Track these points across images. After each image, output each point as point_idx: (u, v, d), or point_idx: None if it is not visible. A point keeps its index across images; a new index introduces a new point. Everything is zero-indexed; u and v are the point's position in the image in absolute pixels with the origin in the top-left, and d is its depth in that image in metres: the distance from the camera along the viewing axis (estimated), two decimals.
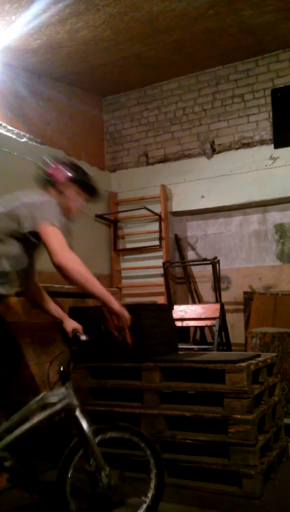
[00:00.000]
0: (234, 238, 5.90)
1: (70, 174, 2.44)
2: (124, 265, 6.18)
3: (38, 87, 5.33)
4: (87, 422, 2.10)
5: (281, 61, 5.51)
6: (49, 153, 5.26)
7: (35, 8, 4.00)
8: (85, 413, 2.15)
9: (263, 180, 5.47)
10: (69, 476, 2.07)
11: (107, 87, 6.17)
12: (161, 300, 5.68)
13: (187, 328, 5.55)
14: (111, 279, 6.07)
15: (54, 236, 2.13)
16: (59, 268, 2.10)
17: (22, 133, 4.91)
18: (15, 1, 3.88)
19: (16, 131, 4.84)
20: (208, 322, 4.87)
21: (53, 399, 2.15)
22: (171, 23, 4.63)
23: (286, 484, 2.67)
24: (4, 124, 4.71)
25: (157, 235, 5.87)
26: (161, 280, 5.71)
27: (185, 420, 2.74)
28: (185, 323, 4.95)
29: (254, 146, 5.58)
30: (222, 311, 4.89)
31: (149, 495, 2.20)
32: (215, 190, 5.73)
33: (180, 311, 4.94)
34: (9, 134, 4.74)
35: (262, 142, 5.54)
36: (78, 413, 2.11)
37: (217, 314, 4.77)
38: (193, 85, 5.98)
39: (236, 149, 5.69)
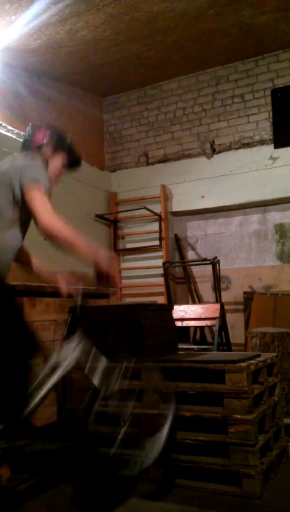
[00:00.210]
0: (234, 238, 5.90)
1: (55, 138, 2.48)
2: (124, 265, 6.18)
3: (38, 87, 5.33)
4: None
5: (281, 61, 5.51)
6: None
7: (35, 8, 4.00)
8: None
9: (263, 180, 5.47)
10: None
11: (107, 87, 6.17)
12: (161, 300, 5.68)
13: (187, 328, 5.55)
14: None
15: (39, 200, 2.17)
16: (44, 231, 2.13)
17: (22, 133, 4.91)
18: (15, 1, 3.88)
19: (16, 131, 4.84)
20: (208, 322, 4.87)
21: (67, 351, 2.20)
22: (171, 23, 4.63)
23: (286, 484, 2.67)
24: (4, 124, 4.71)
25: (157, 235, 5.87)
26: (161, 280, 5.71)
27: (185, 420, 2.74)
28: (185, 323, 4.95)
29: (254, 146, 5.58)
30: (222, 311, 4.89)
31: None
32: (215, 190, 5.73)
33: (180, 311, 4.94)
34: (9, 134, 4.74)
35: (262, 142, 5.54)
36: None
37: (217, 314, 4.77)
38: (193, 85, 5.98)
39: (236, 149, 5.69)
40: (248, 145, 5.62)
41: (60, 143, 2.52)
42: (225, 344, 4.96)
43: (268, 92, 5.54)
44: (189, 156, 5.93)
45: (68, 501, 2.43)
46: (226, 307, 5.16)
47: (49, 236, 2.14)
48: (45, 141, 2.47)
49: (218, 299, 5.21)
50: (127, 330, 2.83)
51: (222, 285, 5.65)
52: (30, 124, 2.53)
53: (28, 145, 2.49)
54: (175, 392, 2.59)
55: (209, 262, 5.16)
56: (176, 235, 6.08)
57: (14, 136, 4.80)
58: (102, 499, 2.46)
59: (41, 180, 2.24)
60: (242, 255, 5.84)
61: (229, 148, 5.74)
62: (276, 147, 5.44)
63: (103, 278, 2.17)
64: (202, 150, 5.87)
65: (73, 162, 2.63)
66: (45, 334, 3.07)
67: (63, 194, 5.24)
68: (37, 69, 5.20)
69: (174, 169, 5.97)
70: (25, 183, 2.20)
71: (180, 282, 6.05)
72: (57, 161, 2.55)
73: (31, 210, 2.19)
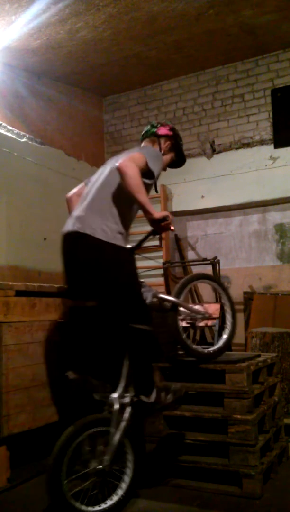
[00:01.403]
0: (234, 238, 5.90)
1: (175, 138, 2.82)
2: None
3: (38, 87, 5.33)
4: None
5: (281, 61, 5.51)
6: (49, 153, 5.28)
7: (35, 8, 4.00)
8: None
9: (263, 180, 5.47)
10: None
11: (107, 87, 6.17)
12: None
13: (187, 328, 5.54)
14: None
15: (134, 155, 2.42)
16: (119, 169, 2.35)
17: (22, 133, 4.91)
18: (15, 1, 3.88)
19: (16, 131, 4.84)
20: (208, 322, 4.87)
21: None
22: (171, 23, 4.63)
23: (286, 484, 2.67)
24: (4, 124, 4.71)
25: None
26: (161, 280, 5.71)
27: (185, 420, 2.74)
28: (185, 323, 4.94)
29: (254, 146, 5.58)
30: (222, 311, 4.88)
31: None
32: (215, 190, 5.73)
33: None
34: (9, 134, 4.74)
35: (262, 142, 5.54)
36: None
37: (217, 314, 4.76)
38: (193, 85, 5.98)
39: (236, 149, 5.69)
40: (248, 145, 5.62)
41: (177, 144, 2.85)
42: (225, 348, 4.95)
43: (268, 92, 5.54)
44: (189, 156, 5.92)
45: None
46: (226, 307, 5.15)
47: (121, 173, 2.35)
48: (167, 134, 2.79)
49: (218, 299, 5.21)
50: None
51: None
52: (157, 121, 2.92)
53: (149, 134, 2.81)
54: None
55: (209, 262, 5.16)
56: (176, 235, 6.08)
57: (14, 136, 4.80)
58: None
59: (153, 154, 2.54)
60: (242, 255, 5.84)
61: (229, 148, 5.74)
62: (276, 147, 5.44)
63: (159, 228, 2.48)
64: (202, 150, 5.87)
65: (178, 163, 2.96)
66: (45, 334, 3.07)
67: (63, 194, 5.23)
68: (37, 69, 5.20)
69: (174, 169, 5.96)
70: (134, 150, 2.55)
71: None
72: (169, 156, 2.85)
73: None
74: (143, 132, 2.87)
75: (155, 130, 2.80)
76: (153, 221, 2.42)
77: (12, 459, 2.81)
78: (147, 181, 2.48)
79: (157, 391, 2.43)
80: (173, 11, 4.40)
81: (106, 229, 2.42)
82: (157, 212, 2.41)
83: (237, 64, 5.72)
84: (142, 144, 2.85)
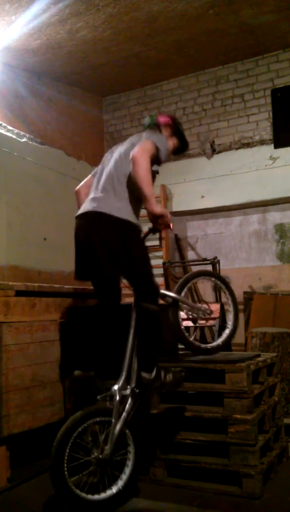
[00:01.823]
0: (234, 238, 5.90)
1: (175, 124, 2.92)
2: None
3: (38, 87, 5.33)
4: None
5: (281, 61, 5.51)
6: (49, 153, 5.28)
7: (35, 8, 4.00)
8: None
9: (263, 180, 5.47)
10: None
11: (107, 87, 6.17)
12: (161, 300, 5.67)
13: (187, 328, 5.54)
14: None
15: (147, 145, 2.50)
16: (133, 158, 2.44)
17: (22, 133, 4.91)
18: (15, 1, 3.88)
19: (16, 131, 4.84)
20: (208, 322, 4.87)
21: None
22: (171, 23, 4.63)
23: (286, 484, 2.67)
24: (4, 124, 4.71)
25: (157, 235, 5.84)
26: (161, 280, 5.71)
27: (185, 420, 2.74)
28: (185, 323, 4.95)
29: (254, 146, 5.58)
30: (222, 311, 4.89)
31: None
32: (215, 190, 5.73)
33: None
34: (9, 134, 4.74)
35: (262, 142, 5.54)
36: None
37: (217, 314, 4.76)
38: (193, 85, 5.98)
39: (236, 149, 5.69)
40: (248, 145, 5.62)
41: (177, 129, 2.94)
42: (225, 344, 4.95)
43: (268, 92, 5.54)
44: (189, 156, 5.92)
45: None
46: (226, 307, 5.15)
47: (133, 163, 2.44)
48: (167, 123, 2.88)
49: (218, 299, 5.21)
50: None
51: None
52: (157, 112, 3.06)
53: (150, 124, 2.90)
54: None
55: (209, 262, 5.16)
56: (176, 235, 6.08)
57: (14, 136, 4.80)
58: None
59: (161, 141, 2.62)
60: (242, 255, 5.84)
61: (229, 148, 5.74)
62: (276, 147, 5.43)
63: (156, 223, 2.57)
64: (202, 150, 5.87)
65: (182, 148, 3.03)
66: (45, 334, 3.07)
67: (63, 194, 5.24)
68: (37, 69, 5.20)
69: (174, 169, 5.97)
70: (144, 137, 2.61)
71: None
72: (172, 142, 2.92)
73: (135, 147, 2.50)
74: (144, 124, 2.99)
75: (155, 120, 2.91)
76: (153, 215, 2.50)
77: (12, 459, 2.81)
78: (156, 168, 2.60)
79: (157, 369, 2.53)
80: (173, 11, 4.40)
81: (121, 207, 2.52)
82: (158, 207, 2.49)
83: (237, 64, 5.72)
84: (144, 134, 2.86)
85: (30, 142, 4.98)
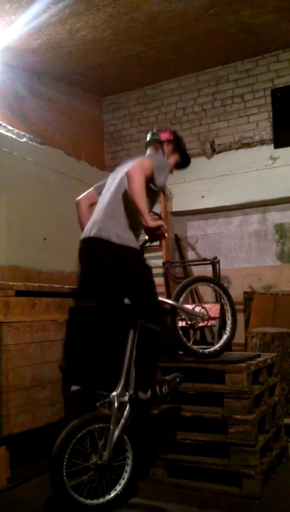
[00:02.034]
0: (234, 238, 5.90)
1: (176, 140, 2.96)
2: None
3: (38, 87, 5.33)
4: None
5: (281, 61, 5.51)
6: (49, 153, 5.28)
7: (35, 8, 4.00)
8: None
9: (263, 180, 5.47)
10: None
11: (107, 87, 6.17)
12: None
13: (187, 328, 5.54)
14: None
15: (144, 163, 2.56)
16: (127, 174, 2.50)
17: (22, 133, 4.91)
18: (15, 1, 3.88)
19: (16, 131, 4.83)
20: (208, 322, 4.86)
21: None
22: (171, 23, 4.63)
23: (286, 484, 2.67)
24: (4, 124, 4.71)
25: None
26: (161, 280, 5.70)
27: (185, 420, 2.74)
28: (184, 325, 4.94)
29: (254, 146, 5.58)
30: (222, 311, 4.89)
31: None
32: (215, 190, 5.73)
33: None
34: (9, 134, 4.74)
35: (262, 142, 5.54)
36: None
37: (217, 314, 4.76)
38: (193, 85, 5.98)
39: (236, 149, 5.69)
40: (248, 145, 5.62)
41: (179, 145, 2.98)
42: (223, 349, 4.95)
43: (268, 92, 5.54)
44: (189, 156, 5.92)
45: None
46: (225, 307, 5.15)
47: (128, 178, 2.50)
48: (168, 139, 2.92)
49: (218, 299, 5.20)
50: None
51: None
52: (158, 127, 3.07)
53: (152, 141, 2.94)
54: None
55: (209, 262, 5.15)
56: (176, 235, 6.08)
57: (14, 136, 4.80)
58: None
59: (159, 161, 2.69)
60: (242, 255, 5.84)
61: (229, 148, 5.74)
62: (276, 147, 5.43)
63: (153, 236, 2.59)
64: (202, 150, 5.87)
65: (183, 163, 3.07)
66: (45, 334, 3.07)
67: (63, 194, 5.24)
68: (37, 69, 5.19)
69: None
70: (141, 158, 2.68)
71: (180, 282, 6.03)
72: (174, 158, 2.97)
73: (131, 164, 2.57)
74: (146, 141, 3.02)
75: (156, 137, 2.94)
76: (147, 229, 2.52)
77: (12, 459, 2.81)
78: (154, 187, 2.62)
79: (152, 387, 2.51)
80: (173, 11, 4.40)
81: (120, 233, 2.54)
82: (152, 221, 2.50)
83: (237, 64, 5.72)
84: (147, 152, 2.96)
85: (30, 142, 4.98)
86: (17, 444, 2.86)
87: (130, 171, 2.49)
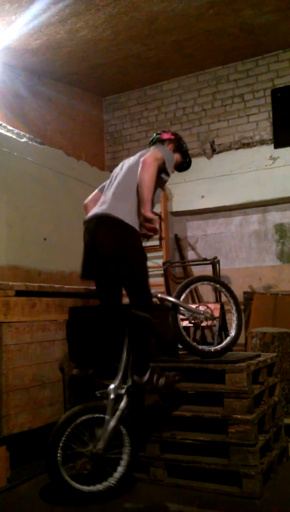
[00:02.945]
0: (234, 238, 5.90)
1: (178, 140, 3.04)
2: None
3: (38, 87, 5.33)
4: None
5: (281, 61, 5.51)
6: (49, 153, 5.28)
7: (35, 8, 4.00)
8: None
9: (263, 180, 5.47)
10: None
11: (107, 87, 6.17)
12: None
13: (187, 328, 5.54)
14: None
15: (158, 154, 2.65)
16: (143, 162, 2.60)
17: (22, 133, 4.91)
18: (15, 1, 3.88)
19: (16, 131, 4.83)
20: (208, 322, 4.86)
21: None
22: (171, 23, 4.63)
23: (286, 484, 2.67)
24: (4, 124, 4.71)
25: (157, 236, 5.86)
26: (161, 280, 5.70)
27: (185, 420, 2.74)
28: (185, 323, 4.94)
29: (254, 146, 5.58)
30: (222, 311, 4.89)
31: None
32: (215, 190, 5.73)
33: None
34: (9, 134, 4.74)
35: (262, 142, 5.54)
36: None
37: (217, 314, 4.76)
38: (193, 85, 5.98)
39: (236, 149, 5.69)
40: (248, 145, 5.62)
41: (180, 146, 3.05)
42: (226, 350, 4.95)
43: (268, 92, 5.54)
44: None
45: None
46: (226, 307, 5.15)
47: (141, 168, 2.59)
48: (170, 138, 3.01)
49: (218, 299, 5.21)
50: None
51: None
52: (161, 130, 3.15)
53: (155, 140, 3.03)
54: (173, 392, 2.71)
55: (209, 262, 5.15)
56: (176, 235, 6.08)
57: (14, 136, 4.80)
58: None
59: (166, 152, 2.76)
60: (242, 255, 5.84)
61: (229, 148, 5.74)
62: (276, 147, 5.43)
63: (147, 228, 2.61)
64: (202, 150, 5.87)
65: (184, 165, 3.14)
66: (45, 334, 3.07)
67: (63, 194, 5.24)
68: (37, 69, 5.20)
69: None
70: (153, 148, 2.75)
71: (180, 282, 6.03)
72: (175, 157, 2.99)
73: (146, 154, 2.65)
74: (149, 141, 3.11)
75: (158, 136, 3.05)
76: (143, 218, 2.57)
77: (12, 459, 2.81)
78: (165, 177, 2.75)
79: (150, 373, 2.59)
80: (173, 11, 4.41)
81: (126, 209, 2.63)
82: (150, 212, 2.57)
83: (237, 64, 5.72)
84: (151, 148, 3.00)
85: (30, 142, 4.98)
86: (17, 444, 2.86)
87: (146, 160, 2.58)
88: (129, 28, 4.62)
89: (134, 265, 2.59)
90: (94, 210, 2.74)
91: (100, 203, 2.77)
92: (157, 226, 2.66)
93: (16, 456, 2.88)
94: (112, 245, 2.57)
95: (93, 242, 2.63)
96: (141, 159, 2.63)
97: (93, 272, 2.70)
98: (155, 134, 3.10)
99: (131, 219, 2.62)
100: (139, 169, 2.61)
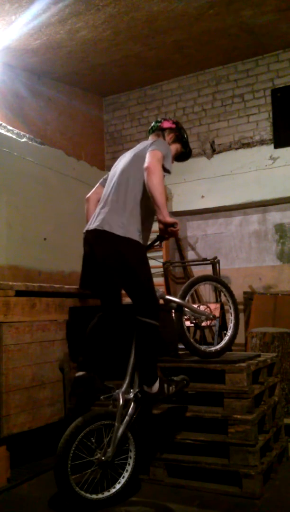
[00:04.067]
0: (234, 238, 5.90)
1: (178, 130, 2.97)
2: None
3: (38, 87, 5.33)
4: None
5: (281, 61, 5.51)
6: (49, 153, 5.28)
7: (35, 8, 4.00)
8: None
9: (263, 180, 5.47)
10: None
11: (107, 87, 6.17)
12: (161, 300, 5.67)
13: (187, 328, 5.54)
14: None
15: (158, 155, 2.58)
16: (148, 169, 2.52)
17: (22, 133, 4.91)
18: (15, 1, 3.88)
19: (16, 131, 4.83)
20: (208, 322, 4.86)
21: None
22: (171, 23, 4.63)
23: (286, 484, 2.67)
24: (4, 124, 4.71)
25: (157, 235, 5.86)
26: (161, 280, 5.71)
27: (185, 420, 2.74)
28: (187, 323, 4.94)
29: (254, 146, 5.58)
30: (222, 311, 4.89)
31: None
32: (215, 190, 5.73)
33: None
34: (9, 134, 4.74)
35: (262, 142, 5.54)
36: None
37: (217, 314, 4.76)
38: (193, 85, 5.98)
39: (236, 149, 5.69)
40: (248, 145, 5.62)
41: (181, 136, 2.99)
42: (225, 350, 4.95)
43: (268, 92, 5.54)
44: None
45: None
46: (226, 307, 5.15)
47: (147, 173, 2.51)
48: (170, 127, 2.95)
49: (218, 299, 5.20)
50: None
51: None
52: (162, 117, 3.04)
53: (155, 128, 2.98)
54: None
55: (209, 262, 5.15)
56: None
57: (14, 136, 4.80)
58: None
59: (165, 148, 2.69)
60: (242, 255, 5.84)
61: (229, 148, 5.74)
62: (276, 147, 5.43)
63: (165, 232, 2.55)
64: (202, 150, 5.87)
65: (184, 155, 3.08)
66: (45, 334, 3.07)
67: (63, 194, 5.24)
68: (37, 69, 5.19)
69: (174, 169, 5.93)
70: (151, 148, 2.64)
71: (180, 282, 6.04)
72: (174, 148, 2.97)
73: (147, 157, 2.58)
74: (149, 128, 3.05)
75: (159, 124, 2.98)
76: (164, 224, 2.50)
77: (12, 459, 2.81)
78: (165, 173, 2.67)
79: (160, 383, 2.53)
80: (173, 11, 4.40)
81: (122, 225, 2.56)
82: (170, 217, 2.51)
83: (237, 64, 5.72)
84: (149, 138, 2.98)
85: (30, 142, 4.98)
86: (17, 444, 2.86)
87: (150, 166, 2.51)
88: (129, 28, 4.62)
89: (139, 276, 2.55)
90: (91, 221, 2.69)
91: (96, 212, 2.71)
92: (179, 227, 2.59)
93: (16, 456, 2.88)
94: (113, 262, 2.53)
95: (92, 255, 2.61)
96: (144, 166, 2.55)
97: (92, 282, 2.68)
98: (155, 122, 3.02)
99: (128, 230, 2.56)
100: (145, 176, 2.53)
